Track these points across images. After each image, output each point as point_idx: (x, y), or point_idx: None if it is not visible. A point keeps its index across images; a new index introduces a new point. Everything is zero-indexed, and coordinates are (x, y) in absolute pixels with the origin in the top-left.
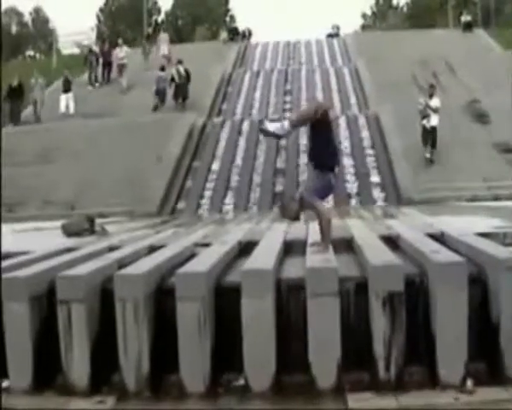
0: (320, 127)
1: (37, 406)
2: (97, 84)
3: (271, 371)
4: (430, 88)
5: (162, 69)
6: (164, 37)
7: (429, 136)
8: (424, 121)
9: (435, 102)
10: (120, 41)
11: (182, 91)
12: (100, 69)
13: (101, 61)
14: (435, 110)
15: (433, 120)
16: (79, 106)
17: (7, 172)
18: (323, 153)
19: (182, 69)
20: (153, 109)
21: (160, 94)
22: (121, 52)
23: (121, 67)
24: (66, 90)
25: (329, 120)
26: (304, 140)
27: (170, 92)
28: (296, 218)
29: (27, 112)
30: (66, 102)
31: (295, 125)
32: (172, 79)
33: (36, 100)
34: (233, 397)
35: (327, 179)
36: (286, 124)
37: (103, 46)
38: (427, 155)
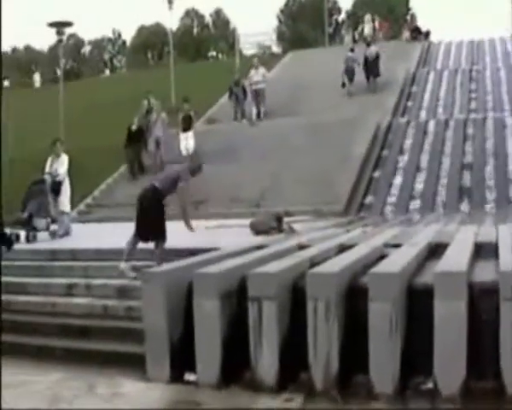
0: None
1: (224, 400)
2: (244, 120)
3: (462, 375)
4: None
5: (352, 50)
6: (368, 18)
7: None
8: None
9: None
10: (256, 60)
11: (373, 70)
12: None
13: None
14: None
15: None
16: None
17: None
18: None
19: (373, 50)
20: (342, 86)
21: (349, 73)
22: (256, 75)
23: (256, 93)
24: (186, 128)
25: None
26: (490, 143)
27: (359, 72)
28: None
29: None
30: (185, 141)
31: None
32: (366, 59)
33: (158, 139)
34: (421, 400)
35: None
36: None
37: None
38: None
